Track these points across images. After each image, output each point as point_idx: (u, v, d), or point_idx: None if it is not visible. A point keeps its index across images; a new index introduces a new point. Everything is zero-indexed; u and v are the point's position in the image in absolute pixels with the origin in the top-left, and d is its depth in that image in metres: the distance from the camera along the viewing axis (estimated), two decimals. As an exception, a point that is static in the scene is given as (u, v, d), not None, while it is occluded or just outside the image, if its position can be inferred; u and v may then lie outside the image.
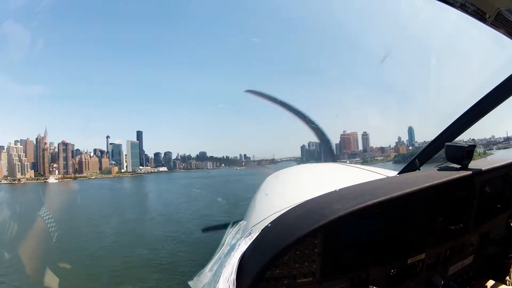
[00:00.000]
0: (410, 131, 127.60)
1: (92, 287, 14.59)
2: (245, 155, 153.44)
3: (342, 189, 2.16)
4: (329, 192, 2.14)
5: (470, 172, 2.29)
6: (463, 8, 1.82)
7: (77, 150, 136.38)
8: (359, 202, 1.89)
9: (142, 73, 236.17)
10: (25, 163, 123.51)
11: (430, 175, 2.26)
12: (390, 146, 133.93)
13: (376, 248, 2.10)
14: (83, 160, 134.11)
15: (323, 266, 1.97)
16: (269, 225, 2.09)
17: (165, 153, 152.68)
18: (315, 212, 1.96)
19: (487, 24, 1.86)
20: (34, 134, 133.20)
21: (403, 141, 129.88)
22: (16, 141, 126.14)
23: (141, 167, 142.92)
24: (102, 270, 16.34)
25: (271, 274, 1.92)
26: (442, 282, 2.29)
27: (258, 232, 2.13)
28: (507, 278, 2.66)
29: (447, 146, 2.40)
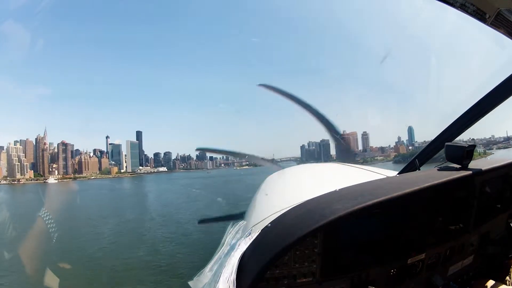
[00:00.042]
0: (410, 131, 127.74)
1: (91, 289, 14.63)
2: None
3: (342, 189, 2.16)
4: (329, 192, 2.14)
5: (470, 172, 2.29)
6: (463, 8, 1.82)
7: (77, 150, 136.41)
8: (359, 202, 1.89)
9: (142, 73, 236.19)
10: (25, 164, 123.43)
11: (430, 175, 2.26)
12: (390, 146, 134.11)
13: (376, 248, 2.10)
14: (83, 160, 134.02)
15: (323, 266, 1.96)
16: (269, 225, 2.09)
17: (164, 153, 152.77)
18: (315, 212, 1.95)
19: (487, 24, 1.86)
20: (33, 134, 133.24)
21: (402, 141, 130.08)
22: (15, 142, 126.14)
23: (140, 167, 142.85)
24: (101, 271, 16.32)
25: (271, 274, 1.92)
26: (442, 282, 2.29)
27: (258, 232, 2.13)
28: (507, 278, 2.66)
29: (447, 146, 2.41)
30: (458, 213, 2.40)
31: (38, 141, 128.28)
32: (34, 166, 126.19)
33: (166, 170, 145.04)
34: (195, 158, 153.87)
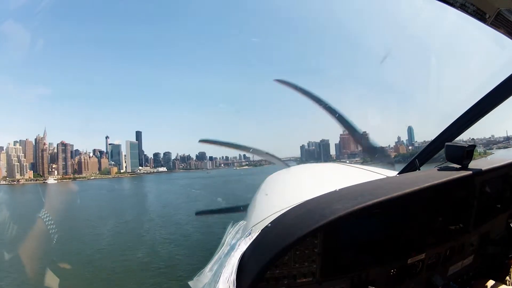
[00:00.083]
0: (410, 131, 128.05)
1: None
2: (244, 155, 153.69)
3: (342, 189, 2.16)
4: (329, 192, 2.14)
5: (470, 172, 2.29)
6: (463, 8, 1.82)
7: (76, 150, 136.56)
8: (359, 202, 1.88)
9: (141, 73, 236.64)
10: (24, 164, 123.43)
11: (430, 175, 2.26)
12: (389, 146, 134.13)
13: (376, 248, 2.10)
14: (82, 160, 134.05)
15: (323, 266, 1.96)
16: (269, 225, 2.09)
17: (164, 153, 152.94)
18: (315, 212, 1.95)
19: (487, 24, 1.86)
20: (33, 134, 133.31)
21: (402, 141, 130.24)
22: (15, 142, 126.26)
23: (140, 168, 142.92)
24: (99, 273, 16.25)
25: (271, 274, 1.92)
26: (442, 282, 2.29)
27: (258, 232, 2.12)
28: (507, 278, 2.66)
29: (447, 146, 2.40)
30: (458, 213, 2.40)
31: (38, 141, 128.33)
32: (33, 167, 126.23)
33: (166, 170, 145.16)
34: (194, 158, 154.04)
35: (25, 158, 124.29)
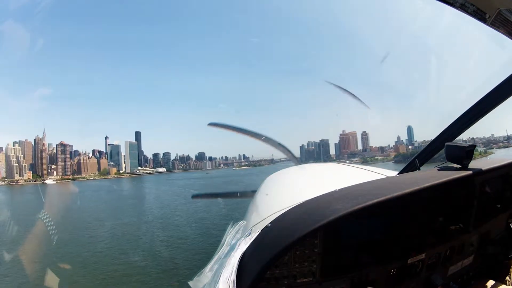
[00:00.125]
0: (409, 130, 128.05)
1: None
2: (244, 155, 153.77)
3: (342, 189, 2.16)
4: (329, 192, 2.14)
5: (470, 172, 2.29)
6: (463, 8, 1.82)
7: (76, 151, 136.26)
8: (359, 202, 1.89)
9: (141, 73, 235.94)
10: (23, 165, 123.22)
11: (430, 175, 2.26)
12: (389, 145, 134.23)
13: (376, 248, 2.10)
14: (82, 161, 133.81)
15: (323, 266, 1.96)
16: (269, 225, 2.09)
17: (163, 154, 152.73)
18: (315, 212, 1.95)
19: (487, 24, 1.86)
20: (32, 135, 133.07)
21: (402, 140, 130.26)
22: (14, 143, 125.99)
23: (139, 168, 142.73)
24: (95, 277, 16.06)
25: (271, 274, 1.92)
26: (442, 282, 2.29)
27: (258, 232, 2.12)
28: (507, 278, 2.67)
29: (447, 146, 2.41)
30: (458, 213, 2.40)
31: (37, 142, 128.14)
32: (32, 167, 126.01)
33: (165, 170, 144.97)
34: (194, 158, 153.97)
35: (24, 159, 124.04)
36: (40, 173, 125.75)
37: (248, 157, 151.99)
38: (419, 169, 2.99)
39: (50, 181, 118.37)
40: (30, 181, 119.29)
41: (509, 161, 2.62)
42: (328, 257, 1.97)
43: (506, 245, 2.69)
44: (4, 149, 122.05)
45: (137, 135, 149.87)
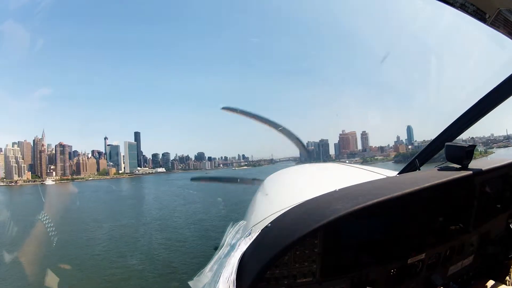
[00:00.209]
0: (409, 130, 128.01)
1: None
2: (243, 155, 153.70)
3: (342, 189, 2.16)
4: (329, 192, 2.14)
5: (470, 172, 2.29)
6: (463, 8, 1.82)
7: (75, 151, 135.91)
8: (359, 202, 1.89)
9: (141, 73, 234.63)
10: (22, 165, 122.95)
11: (430, 175, 2.26)
12: (389, 145, 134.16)
13: (376, 248, 2.10)
14: (81, 161, 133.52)
15: (323, 266, 1.96)
16: (269, 225, 2.09)
17: (163, 154, 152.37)
18: (315, 212, 1.95)
19: (487, 24, 1.86)
20: (32, 135, 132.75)
21: (402, 140, 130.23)
22: (13, 143, 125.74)
23: (139, 168, 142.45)
24: (91, 281, 15.91)
25: (271, 274, 1.92)
26: (442, 282, 2.29)
27: (258, 232, 2.12)
28: (507, 278, 2.67)
29: (447, 146, 2.41)
30: (458, 213, 2.40)
31: (36, 142, 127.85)
32: (32, 168, 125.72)
33: (165, 170, 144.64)
34: (193, 158, 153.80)
35: (23, 159, 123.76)
36: (39, 173, 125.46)
37: (248, 157, 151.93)
38: (419, 169, 3.00)
39: (49, 181, 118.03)
40: (29, 182, 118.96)
41: (509, 161, 2.63)
42: (328, 257, 1.97)
43: (506, 245, 2.69)
44: (3, 149, 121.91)
45: (136, 135, 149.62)
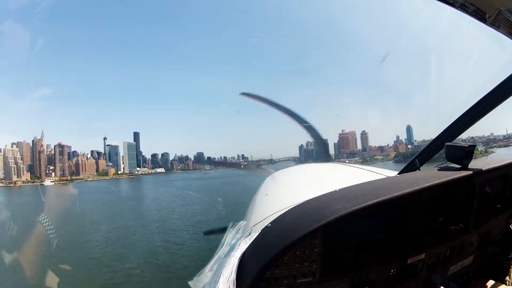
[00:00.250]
0: (409, 130, 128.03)
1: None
2: (243, 155, 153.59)
3: (342, 189, 2.16)
4: (329, 192, 2.14)
5: (470, 172, 2.29)
6: (463, 8, 1.82)
7: (74, 152, 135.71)
8: (359, 202, 1.89)
9: (141, 73, 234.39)
10: (21, 166, 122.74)
11: (430, 175, 2.26)
12: (388, 145, 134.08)
13: (376, 248, 2.10)
14: (80, 162, 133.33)
15: (323, 266, 1.96)
16: (269, 225, 2.09)
17: (162, 154, 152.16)
18: (315, 212, 1.95)
19: (487, 24, 1.86)
20: (30, 136, 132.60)
21: (401, 140, 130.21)
22: (12, 144, 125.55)
23: (138, 169, 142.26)
24: (88, 285, 15.76)
25: (271, 274, 1.91)
26: (442, 282, 2.29)
27: (258, 232, 2.12)
28: (507, 278, 2.67)
29: (447, 146, 2.41)
30: (458, 213, 2.40)
31: (35, 143, 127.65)
32: (31, 168, 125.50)
33: (164, 171, 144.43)
34: (192, 158, 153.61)
35: (22, 160, 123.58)
36: (38, 174, 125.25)
37: (247, 157, 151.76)
38: (419, 169, 3.00)
39: (48, 182, 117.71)
40: (28, 183, 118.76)
41: (509, 161, 2.63)
42: (328, 257, 1.97)
43: (506, 245, 2.69)
44: (2, 150, 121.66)
45: (136, 135, 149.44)
